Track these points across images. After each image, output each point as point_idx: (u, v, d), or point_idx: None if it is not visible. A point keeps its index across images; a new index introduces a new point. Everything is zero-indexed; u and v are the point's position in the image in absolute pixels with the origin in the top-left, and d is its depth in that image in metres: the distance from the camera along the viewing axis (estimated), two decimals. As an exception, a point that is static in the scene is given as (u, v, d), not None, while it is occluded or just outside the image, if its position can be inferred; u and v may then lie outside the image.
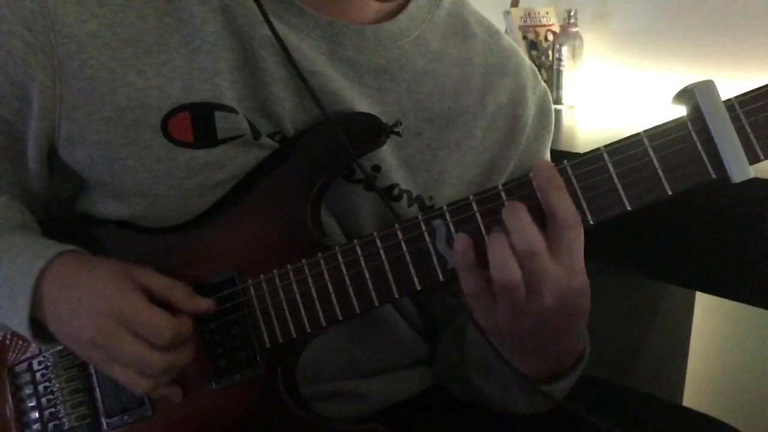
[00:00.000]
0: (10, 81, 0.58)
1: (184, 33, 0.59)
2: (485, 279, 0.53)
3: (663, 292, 1.41)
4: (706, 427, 0.69)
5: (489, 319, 0.56)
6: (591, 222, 0.54)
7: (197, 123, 0.59)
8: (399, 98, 0.65)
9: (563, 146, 1.13)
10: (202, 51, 0.59)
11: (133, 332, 0.56)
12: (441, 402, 0.75)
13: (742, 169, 0.51)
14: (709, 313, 1.51)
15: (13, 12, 0.56)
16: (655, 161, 0.52)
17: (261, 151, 0.62)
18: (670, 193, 0.52)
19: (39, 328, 0.60)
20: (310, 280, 0.59)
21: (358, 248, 0.58)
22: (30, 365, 0.66)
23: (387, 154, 0.65)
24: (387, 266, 0.57)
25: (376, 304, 0.58)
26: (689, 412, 0.72)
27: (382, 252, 0.57)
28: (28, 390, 0.65)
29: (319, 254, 0.59)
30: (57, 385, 0.65)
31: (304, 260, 0.60)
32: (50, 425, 0.64)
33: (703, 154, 0.52)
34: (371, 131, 0.61)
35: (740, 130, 0.51)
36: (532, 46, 1.58)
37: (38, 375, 0.65)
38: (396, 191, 0.66)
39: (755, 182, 0.82)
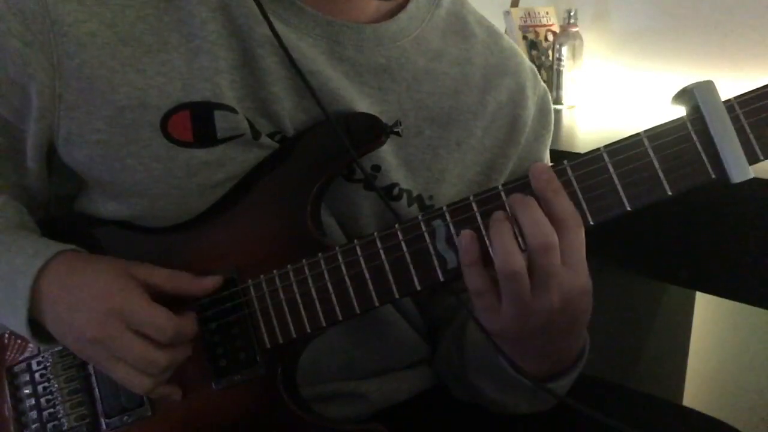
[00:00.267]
0: (9, 80, 0.58)
1: (184, 32, 0.59)
2: (489, 277, 0.54)
3: (663, 292, 1.41)
4: (706, 427, 0.69)
5: (493, 320, 0.56)
6: (591, 222, 0.54)
7: (197, 122, 0.59)
8: (399, 97, 0.65)
9: (563, 146, 1.13)
10: (202, 50, 0.59)
11: (134, 330, 0.56)
12: (441, 402, 0.75)
13: (741, 169, 0.51)
14: (709, 313, 1.51)
15: (13, 11, 0.56)
16: (655, 162, 0.52)
17: (261, 151, 0.62)
18: (670, 193, 0.52)
19: (38, 328, 0.60)
20: (310, 280, 0.59)
21: (358, 248, 0.58)
22: (29, 365, 0.66)
23: (387, 154, 0.65)
24: (387, 266, 0.57)
25: (376, 304, 0.58)
26: (689, 412, 0.72)
27: (382, 252, 0.57)
28: (27, 390, 0.65)
29: (319, 254, 0.59)
30: (56, 385, 0.65)
31: (304, 260, 0.60)
32: (49, 425, 0.64)
33: (702, 154, 0.52)
34: (371, 131, 0.61)
35: (740, 131, 0.51)
36: (532, 46, 1.58)
37: (37, 375, 0.65)
38: (396, 191, 0.66)
39: (755, 182, 0.82)
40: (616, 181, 0.53)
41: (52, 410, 0.65)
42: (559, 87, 1.52)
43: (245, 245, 0.62)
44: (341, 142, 0.60)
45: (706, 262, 0.97)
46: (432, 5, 0.69)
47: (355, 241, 0.58)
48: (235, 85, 0.60)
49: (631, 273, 1.24)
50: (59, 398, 0.65)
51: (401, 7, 0.66)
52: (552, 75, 1.54)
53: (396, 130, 0.61)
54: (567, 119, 1.45)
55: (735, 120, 0.51)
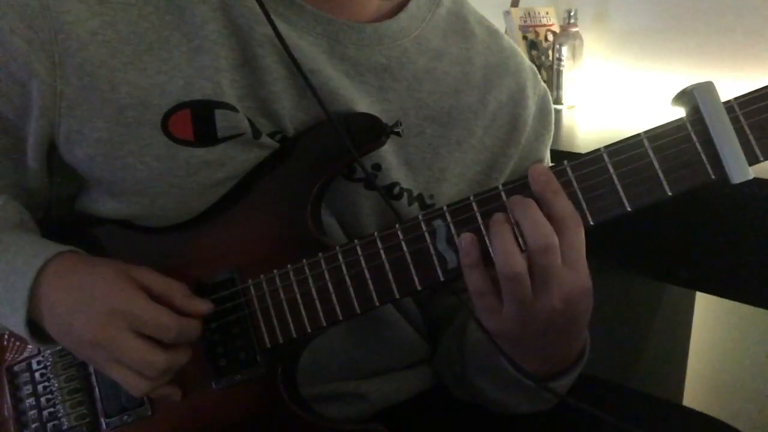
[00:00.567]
0: (11, 78, 0.58)
1: (185, 31, 0.59)
2: (490, 278, 0.54)
3: (663, 292, 1.41)
4: (706, 427, 0.69)
5: (494, 320, 0.56)
6: (591, 223, 0.54)
7: (197, 121, 0.59)
8: (400, 97, 0.65)
9: (563, 146, 1.13)
10: (203, 49, 0.59)
11: (136, 332, 0.56)
12: (441, 402, 0.75)
13: (741, 170, 0.51)
14: (709, 313, 1.51)
15: (15, 9, 0.56)
16: (655, 162, 0.52)
17: (261, 151, 0.62)
18: (669, 193, 0.52)
19: (36, 328, 0.60)
20: (310, 280, 0.59)
21: (358, 248, 0.58)
22: (29, 364, 0.66)
23: (387, 153, 0.65)
24: (387, 266, 0.57)
25: (377, 304, 0.58)
26: (689, 412, 0.72)
27: (382, 252, 0.57)
28: (27, 389, 0.65)
29: (320, 254, 0.59)
30: (56, 385, 0.65)
31: (304, 260, 0.60)
32: (49, 425, 0.64)
33: (702, 155, 0.52)
34: (372, 131, 0.61)
35: (740, 131, 0.51)
36: (532, 46, 1.58)
37: (37, 375, 0.65)
38: (396, 190, 0.66)
39: (755, 182, 0.82)
40: (616, 182, 0.53)
41: (52, 410, 0.65)
42: (559, 87, 1.52)
43: (245, 245, 0.62)
44: (342, 142, 0.60)
45: (706, 262, 0.97)
46: (432, 5, 0.69)
47: (356, 240, 0.58)
48: (236, 84, 0.60)
49: (631, 273, 1.24)
50: (59, 398, 0.65)
51: (402, 7, 0.66)
52: (552, 75, 1.54)
53: (396, 130, 0.61)
54: (567, 119, 1.45)
55: (735, 121, 0.51)
